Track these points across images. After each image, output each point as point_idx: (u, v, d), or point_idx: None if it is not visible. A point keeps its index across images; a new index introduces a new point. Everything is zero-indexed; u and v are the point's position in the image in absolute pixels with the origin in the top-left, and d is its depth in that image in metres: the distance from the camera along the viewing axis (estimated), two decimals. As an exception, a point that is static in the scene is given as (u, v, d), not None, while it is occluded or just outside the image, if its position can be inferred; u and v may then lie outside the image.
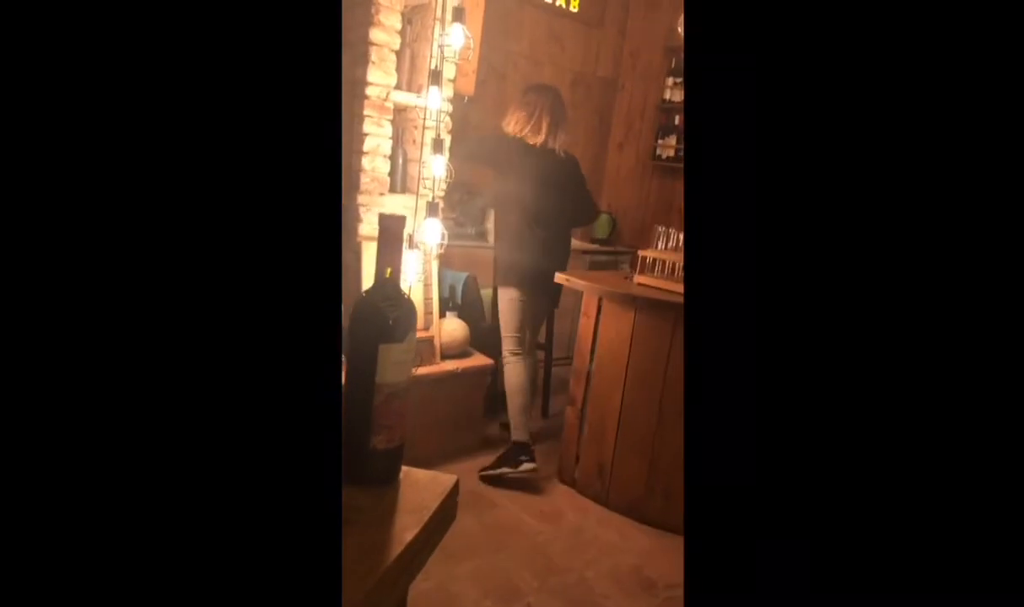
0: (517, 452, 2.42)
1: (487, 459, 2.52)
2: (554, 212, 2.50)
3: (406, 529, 0.64)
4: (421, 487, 0.73)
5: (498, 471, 2.41)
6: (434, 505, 0.69)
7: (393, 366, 0.67)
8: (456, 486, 0.75)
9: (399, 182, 2.48)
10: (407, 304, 0.69)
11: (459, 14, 2.18)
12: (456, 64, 2.43)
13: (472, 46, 2.35)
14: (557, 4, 3.92)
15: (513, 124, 2.42)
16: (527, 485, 2.44)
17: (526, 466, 2.40)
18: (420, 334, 2.40)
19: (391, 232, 0.67)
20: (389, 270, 0.68)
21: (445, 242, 2.28)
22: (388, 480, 0.72)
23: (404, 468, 0.75)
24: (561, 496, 2.44)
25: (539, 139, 2.39)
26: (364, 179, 2.31)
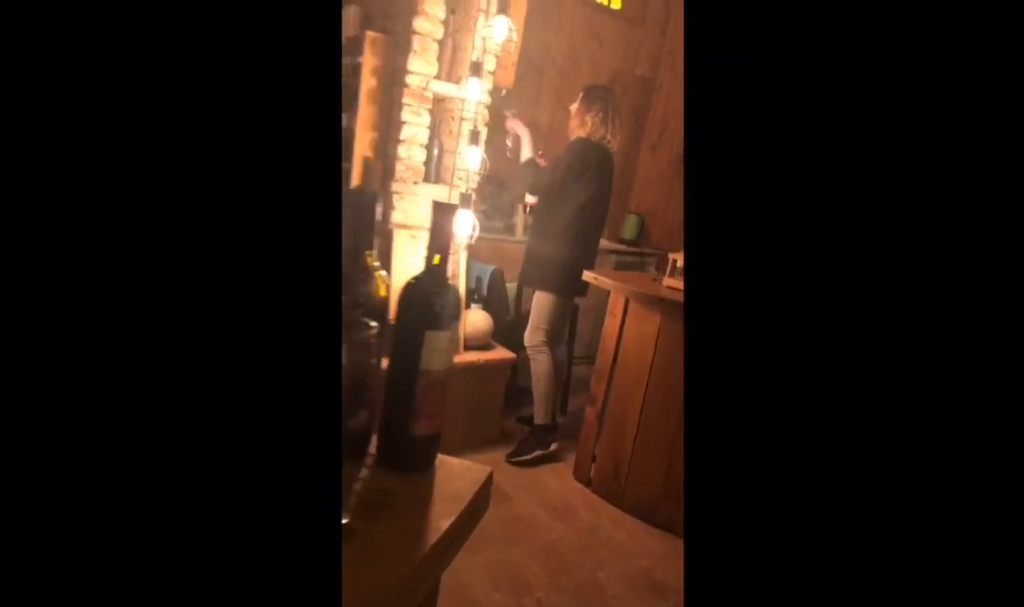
0: (545, 433, 2.59)
1: (504, 451, 2.54)
2: (606, 212, 2.66)
3: (442, 517, 0.65)
4: (456, 476, 0.73)
5: (531, 455, 2.55)
6: (469, 495, 0.70)
7: (438, 353, 0.67)
8: (490, 477, 0.75)
9: (434, 172, 2.49)
10: (453, 292, 0.69)
11: (504, 6, 2.18)
12: (497, 56, 2.43)
13: (515, 39, 2.34)
14: (599, 1, 3.89)
15: (589, 126, 2.48)
16: (543, 483, 2.45)
17: (554, 446, 2.61)
18: (445, 324, 2.41)
19: (443, 220, 0.67)
20: (438, 257, 0.68)
21: (476, 234, 2.29)
22: (425, 467, 0.72)
23: (439, 456, 0.75)
24: (575, 494, 2.43)
25: (611, 140, 2.53)
26: (399, 167, 2.32)
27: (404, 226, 2.38)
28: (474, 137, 2.23)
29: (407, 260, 2.35)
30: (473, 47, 2.29)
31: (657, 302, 2.24)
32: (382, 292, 0.69)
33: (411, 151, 2.35)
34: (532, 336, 2.56)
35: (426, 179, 2.44)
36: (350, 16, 2.32)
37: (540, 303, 2.54)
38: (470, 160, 2.24)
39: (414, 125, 2.32)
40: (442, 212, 0.67)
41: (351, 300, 0.64)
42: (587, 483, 2.48)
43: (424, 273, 0.68)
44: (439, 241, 0.68)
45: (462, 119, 2.40)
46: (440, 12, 2.26)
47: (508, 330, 2.84)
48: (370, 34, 2.22)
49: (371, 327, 0.52)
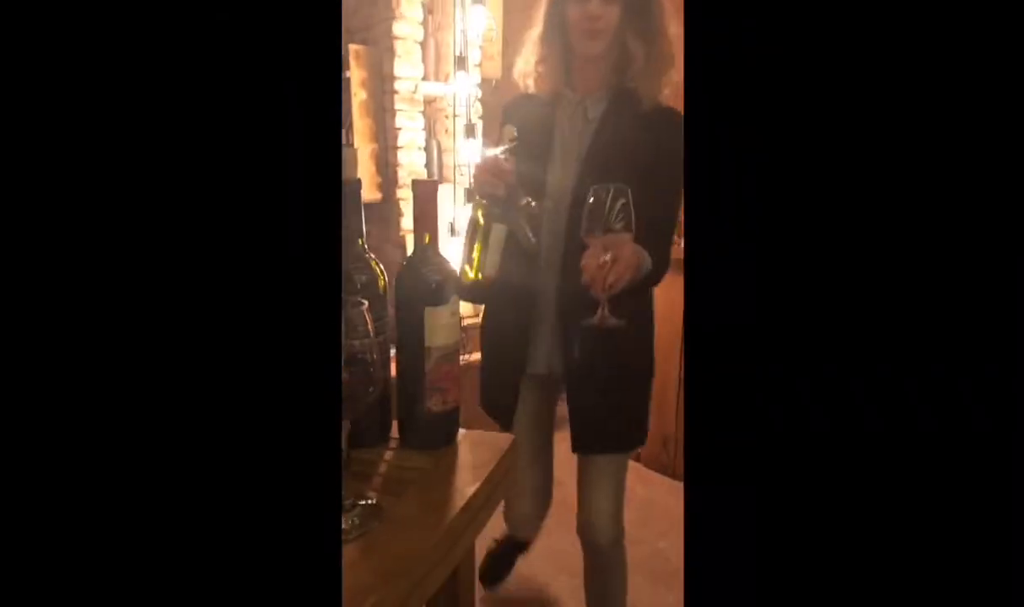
0: None
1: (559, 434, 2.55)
2: None
3: (467, 484, 0.66)
4: (479, 447, 0.75)
5: None
6: (493, 462, 0.71)
7: (441, 329, 0.69)
8: (513, 445, 0.76)
9: (436, 173, 2.51)
10: (448, 268, 0.70)
11: (478, -4, 2.18)
12: (480, 47, 2.43)
13: (494, 27, 2.34)
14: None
15: None
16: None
17: None
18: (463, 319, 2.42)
19: (425, 198, 0.69)
20: (427, 236, 0.69)
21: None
22: (446, 442, 0.73)
23: (462, 431, 0.76)
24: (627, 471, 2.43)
25: None
26: (401, 173, 2.35)
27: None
28: (470, 130, 2.24)
29: (423, 263, 2.37)
30: (455, 42, 2.30)
31: (677, 265, 2.22)
32: (379, 279, 0.70)
33: (411, 156, 2.38)
34: (613, 525, 1.26)
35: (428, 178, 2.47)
36: (332, 35, 2.35)
37: (617, 475, 1.26)
38: (469, 154, 2.25)
39: (409, 129, 2.34)
40: (423, 189, 0.68)
41: (349, 289, 0.66)
42: (636, 458, 2.47)
43: (415, 253, 0.70)
44: (425, 219, 0.69)
45: (455, 116, 2.41)
46: (418, 14, 2.28)
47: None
48: (353, 47, 2.25)
49: (360, 303, 0.53)
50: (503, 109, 1.19)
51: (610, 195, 0.91)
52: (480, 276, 1.00)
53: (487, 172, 0.99)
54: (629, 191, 0.92)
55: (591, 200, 0.92)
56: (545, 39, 1.09)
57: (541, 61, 1.10)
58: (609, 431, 1.18)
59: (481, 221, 1.00)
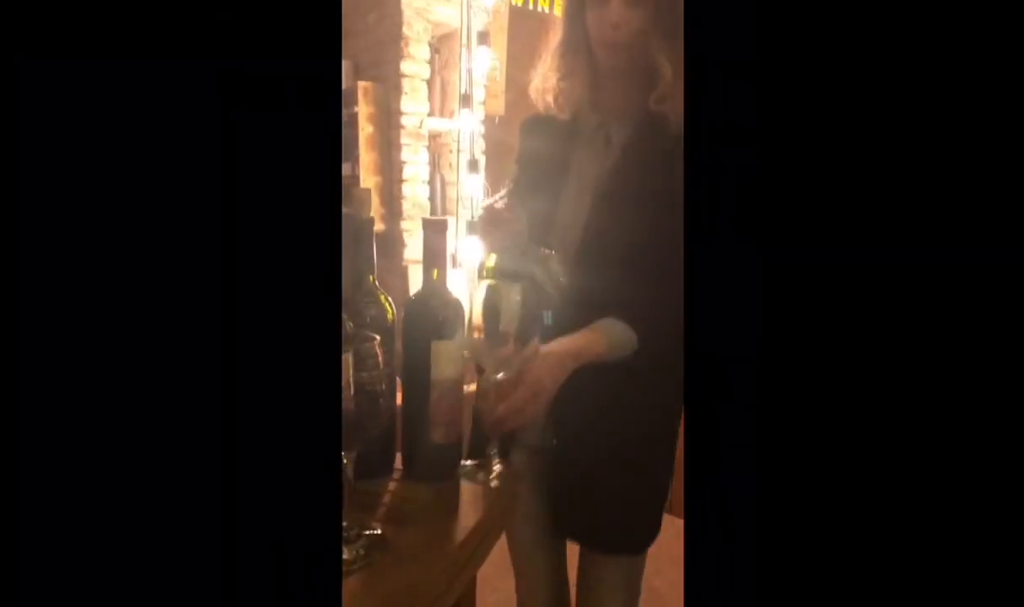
0: None
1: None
2: None
3: (468, 518, 0.67)
4: (482, 480, 0.76)
5: None
6: (494, 494, 0.72)
7: (446, 363, 0.70)
8: (512, 477, 0.77)
9: (439, 206, 2.55)
10: (455, 303, 0.72)
11: (484, 37, 2.26)
12: (485, 86, 2.50)
13: (498, 67, 2.41)
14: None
15: None
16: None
17: None
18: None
19: (435, 236, 0.71)
20: (436, 272, 0.72)
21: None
22: (448, 475, 0.75)
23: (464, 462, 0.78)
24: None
25: None
26: (405, 205, 2.40)
27: (417, 261, 2.43)
28: (473, 166, 2.29)
29: (424, 294, 2.40)
30: (460, 81, 2.36)
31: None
32: (388, 314, 0.72)
33: (415, 189, 2.42)
34: None
35: (432, 213, 2.51)
36: (343, 69, 2.42)
37: (632, 575, 1.00)
38: (472, 188, 2.30)
39: (414, 163, 2.39)
40: (432, 228, 0.71)
41: (359, 322, 0.68)
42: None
43: (424, 288, 0.72)
44: (434, 256, 0.72)
45: (459, 151, 2.47)
46: (425, 53, 2.35)
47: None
48: (362, 84, 2.31)
49: (373, 337, 0.55)
50: (520, 127, 1.02)
51: (512, 293, 0.69)
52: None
53: (488, 224, 0.87)
54: (555, 280, 0.75)
55: (482, 297, 0.70)
56: (566, 51, 0.91)
57: (563, 77, 0.92)
58: (609, 522, 0.91)
59: (490, 279, 0.77)
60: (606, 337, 0.79)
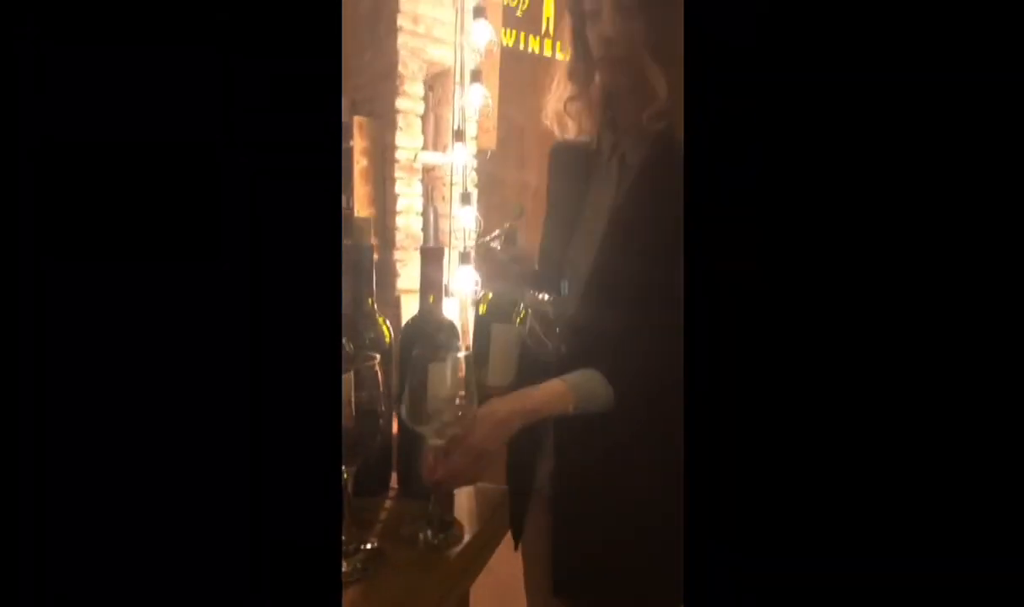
0: None
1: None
2: None
3: (463, 532, 0.69)
4: (474, 500, 0.78)
5: None
6: (486, 514, 0.74)
7: (441, 383, 0.73)
8: (505, 497, 0.80)
9: (432, 237, 2.60)
10: (450, 327, 0.76)
11: (477, 75, 2.34)
12: (477, 122, 2.58)
13: (490, 104, 2.49)
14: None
15: None
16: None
17: None
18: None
19: (432, 263, 0.75)
20: (432, 296, 0.75)
21: (480, 290, 2.37)
22: (444, 494, 0.77)
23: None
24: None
25: None
26: (399, 236, 2.44)
27: (410, 291, 2.47)
28: (465, 198, 2.35)
29: (416, 324, 2.43)
30: (454, 116, 2.44)
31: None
32: (386, 337, 0.75)
33: (408, 220, 2.48)
34: None
35: (425, 244, 2.56)
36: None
37: None
38: (464, 220, 2.35)
39: (407, 196, 2.45)
40: (429, 256, 0.75)
41: (359, 343, 0.71)
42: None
43: (421, 312, 0.75)
44: (431, 282, 0.75)
45: (452, 184, 2.53)
46: (419, 89, 2.42)
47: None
48: (357, 119, 2.38)
49: (373, 357, 0.58)
50: (551, 152, 0.97)
51: (449, 358, 0.66)
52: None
53: (482, 265, 0.83)
54: (549, 328, 0.72)
55: (415, 354, 0.67)
56: (574, 71, 0.86)
57: (572, 98, 0.87)
58: (606, 580, 0.78)
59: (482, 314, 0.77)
60: (575, 392, 0.73)
